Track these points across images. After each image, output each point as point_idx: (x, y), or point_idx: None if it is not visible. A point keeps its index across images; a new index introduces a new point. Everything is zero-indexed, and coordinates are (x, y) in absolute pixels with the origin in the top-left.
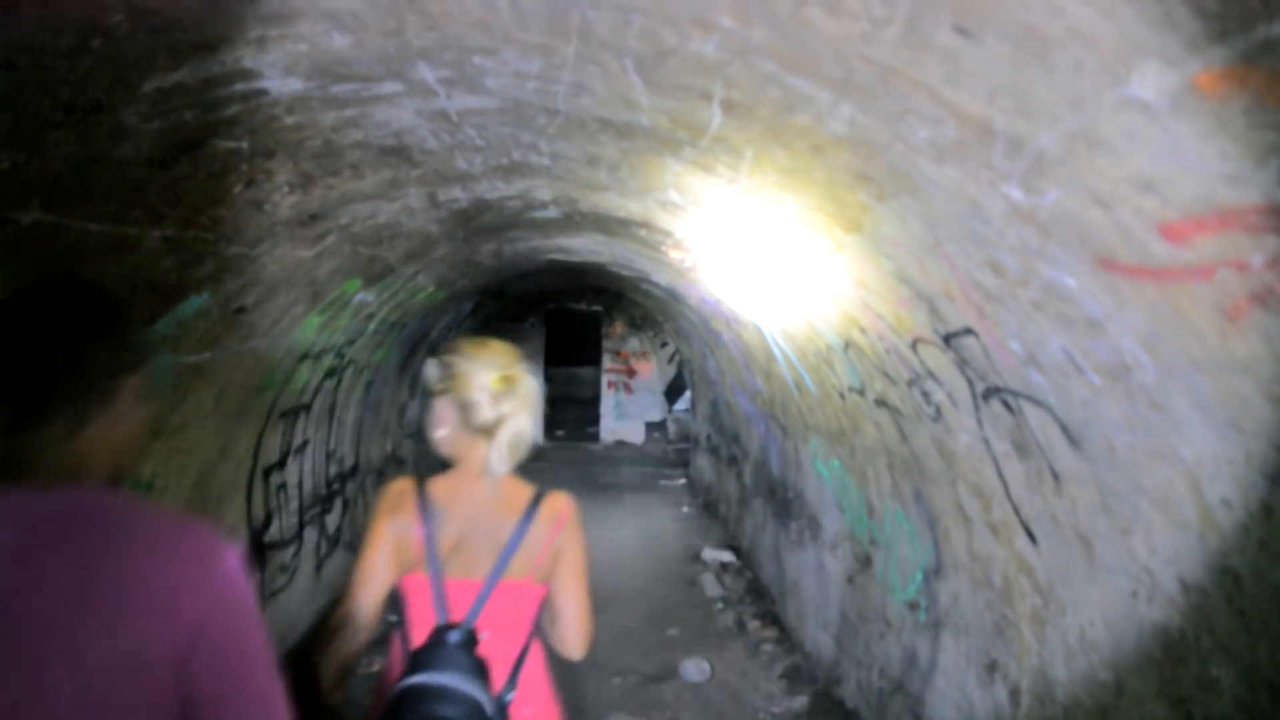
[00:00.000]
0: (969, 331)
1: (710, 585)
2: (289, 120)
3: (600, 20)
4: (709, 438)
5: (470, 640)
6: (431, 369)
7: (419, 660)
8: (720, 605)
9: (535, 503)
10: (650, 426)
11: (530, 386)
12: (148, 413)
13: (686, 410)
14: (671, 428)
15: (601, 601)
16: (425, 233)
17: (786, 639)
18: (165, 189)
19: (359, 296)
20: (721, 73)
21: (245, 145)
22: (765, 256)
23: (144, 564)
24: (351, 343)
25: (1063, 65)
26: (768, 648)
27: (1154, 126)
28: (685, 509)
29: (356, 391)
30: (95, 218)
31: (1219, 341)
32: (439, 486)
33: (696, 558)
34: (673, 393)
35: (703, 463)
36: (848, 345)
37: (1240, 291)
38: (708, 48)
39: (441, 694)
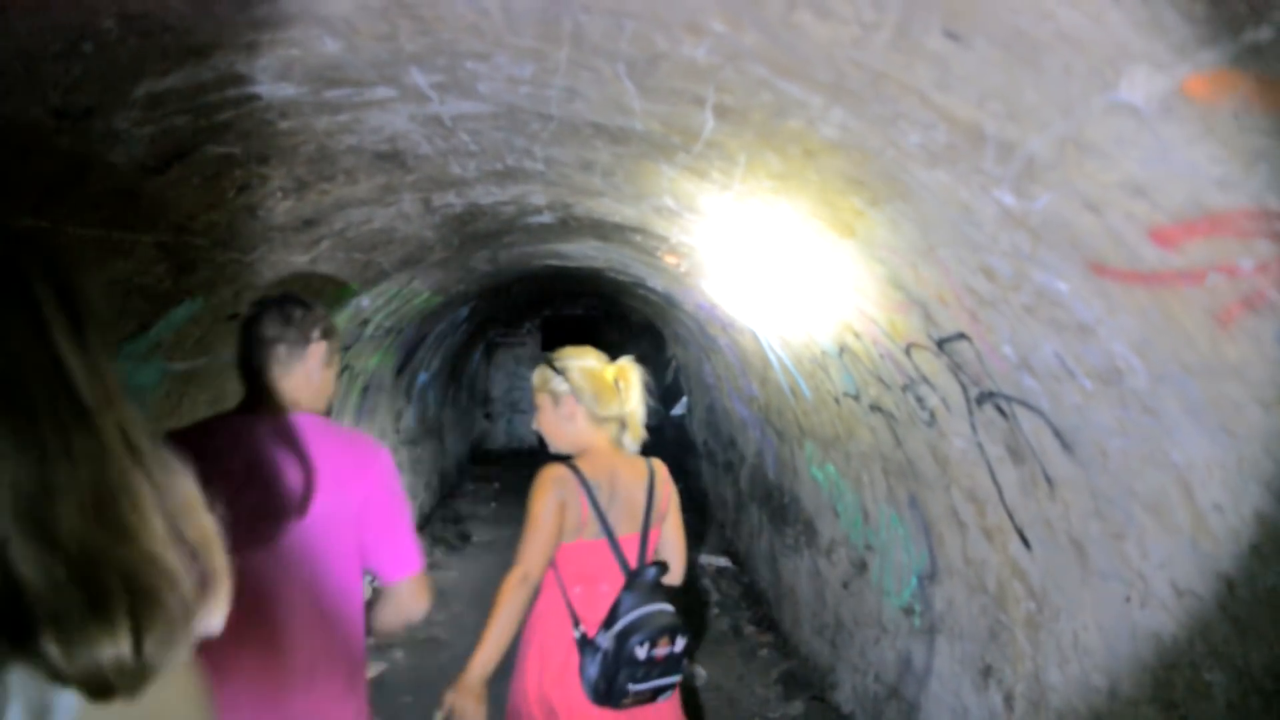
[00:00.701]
0: (962, 336)
1: (707, 590)
2: (282, 125)
3: (592, 24)
4: (705, 443)
5: (660, 575)
6: (551, 375)
7: (631, 599)
8: (716, 610)
9: (651, 468)
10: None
11: (639, 375)
12: (334, 370)
13: (683, 416)
14: (668, 433)
15: None
16: (420, 238)
17: (782, 644)
18: (158, 194)
19: (354, 302)
20: (713, 77)
21: (238, 150)
22: (760, 262)
23: (336, 458)
24: (347, 349)
25: (1052, 69)
26: (763, 653)
27: (1143, 131)
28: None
29: (352, 398)
30: (87, 223)
31: (1210, 346)
32: (584, 466)
33: (693, 563)
34: (670, 398)
35: (699, 468)
36: (842, 350)
37: (1231, 296)
38: (699, 52)
39: (663, 614)
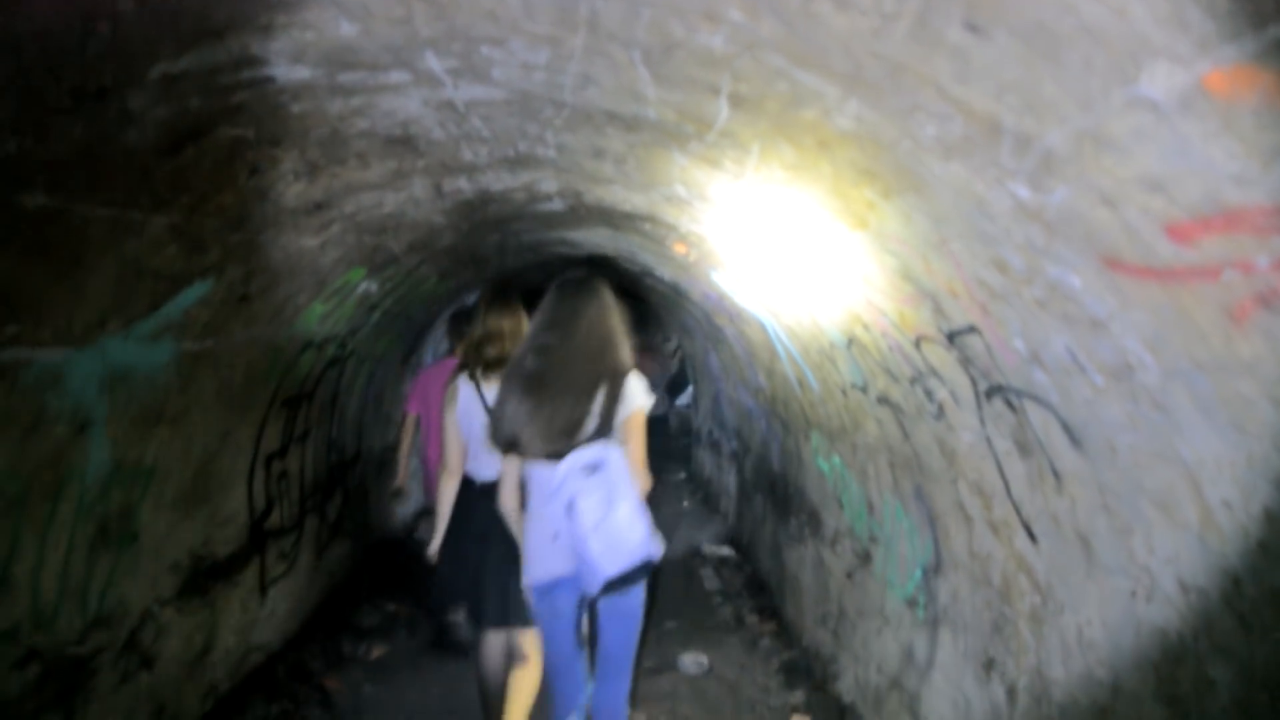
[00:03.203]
0: (973, 329)
1: (709, 579)
2: (295, 108)
3: (609, 12)
4: (710, 433)
5: None
6: None
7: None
8: (719, 599)
9: None
10: (652, 421)
11: None
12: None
13: (688, 405)
14: (673, 422)
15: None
16: (430, 223)
17: (785, 633)
18: (171, 175)
19: (362, 286)
20: (729, 66)
21: (251, 133)
22: (770, 252)
23: None
24: (354, 333)
25: (1072, 63)
26: (766, 642)
27: (1162, 126)
28: (685, 503)
29: (359, 382)
30: (100, 203)
31: (1223, 343)
32: None
33: (696, 552)
34: (675, 388)
35: (704, 458)
36: (851, 342)
37: (1245, 293)
38: (716, 41)
39: None
